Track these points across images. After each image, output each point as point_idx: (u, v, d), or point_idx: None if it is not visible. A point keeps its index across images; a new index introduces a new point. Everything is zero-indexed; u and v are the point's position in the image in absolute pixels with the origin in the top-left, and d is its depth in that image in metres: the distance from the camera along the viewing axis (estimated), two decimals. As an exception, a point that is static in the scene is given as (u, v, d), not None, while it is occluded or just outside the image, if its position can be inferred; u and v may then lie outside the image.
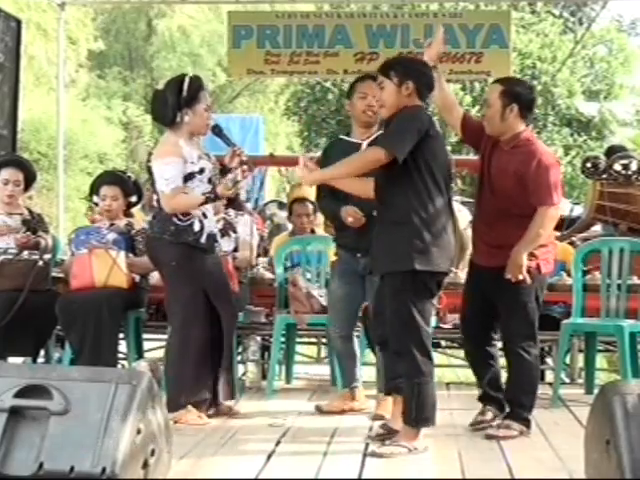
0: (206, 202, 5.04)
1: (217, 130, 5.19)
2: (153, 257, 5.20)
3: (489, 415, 4.90)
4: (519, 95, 4.78)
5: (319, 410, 5.32)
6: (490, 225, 4.81)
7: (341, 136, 5.37)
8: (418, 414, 4.32)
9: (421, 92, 4.43)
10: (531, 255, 4.74)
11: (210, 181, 5.09)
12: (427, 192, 4.30)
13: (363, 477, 3.89)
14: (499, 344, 5.04)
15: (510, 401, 4.84)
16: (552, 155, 4.95)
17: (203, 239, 5.07)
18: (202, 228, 5.07)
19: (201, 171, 5.05)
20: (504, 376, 4.98)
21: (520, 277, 4.64)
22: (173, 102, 5.03)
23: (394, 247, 4.32)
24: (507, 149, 4.80)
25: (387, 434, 4.50)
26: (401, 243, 4.29)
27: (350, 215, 4.98)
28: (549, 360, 7.20)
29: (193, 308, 5.03)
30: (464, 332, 5.08)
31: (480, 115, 4.94)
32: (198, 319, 5.04)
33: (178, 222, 5.03)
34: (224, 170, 5.16)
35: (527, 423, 4.78)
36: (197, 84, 5.13)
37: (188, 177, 5.02)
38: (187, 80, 5.07)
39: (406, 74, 4.40)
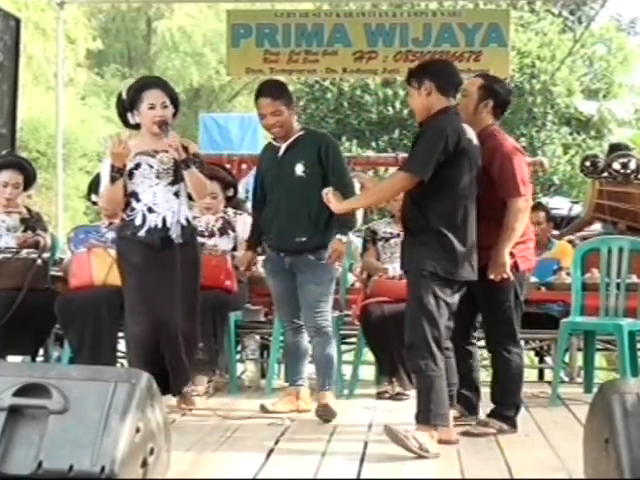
0: (113, 180, 5.08)
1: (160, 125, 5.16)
2: None
3: (453, 412, 4.75)
4: (497, 93, 4.83)
5: (264, 410, 5.28)
6: None
7: (270, 140, 5.40)
8: (436, 409, 4.26)
9: (443, 89, 4.43)
10: (510, 253, 4.70)
11: (158, 176, 5.14)
12: (456, 204, 4.36)
13: (362, 476, 3.89)
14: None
15: (494, 400, 4.83)
16: (516, 146, 4.89)
17: (142, 232, 5.12)
18: (144, 222, 5.13)
19: (137, 166, 5.12)
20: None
21: (505, 276, 4.62)
22: (119, 108, 5.25)
23: (425, 248, 4.35)
24: None
25: None
26: (432, 246, 4.33)
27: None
28: (548, 359, 7.21)
29: (132, 302, 5.13)
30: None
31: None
32: (137, 314, 5.11)
33: (125, 217, 5.21)
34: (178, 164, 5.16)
35: (510, 421, 4.77)
36: (139, 85, 5.25)
37: (130, 175, 5.12)
38: (127, 85, 5.32)
39: (422, 75, 4.45)
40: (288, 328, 5.40)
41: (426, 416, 4.27)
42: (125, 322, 5.28)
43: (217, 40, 24.52)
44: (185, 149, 5.10)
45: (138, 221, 5.13)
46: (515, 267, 4.73)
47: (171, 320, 5.09)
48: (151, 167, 5.14)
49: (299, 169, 5.12)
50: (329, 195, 4.62)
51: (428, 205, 4.38)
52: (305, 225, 5.09)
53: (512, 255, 4.69)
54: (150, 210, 5.13)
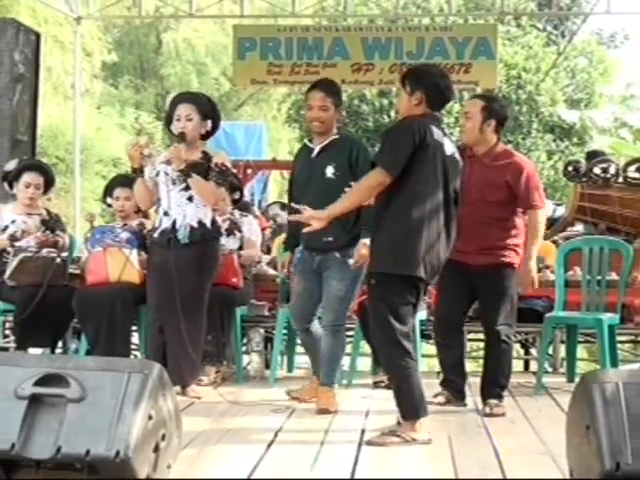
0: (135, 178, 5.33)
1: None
2: None
3: (440, 399, 4.98)
4: (497, 112, 4.91)
5: (289, 395, 5.27)
6: (479, 230, 4.81)
7: (306, 141, 5.31)
8: (405, 407, 4.22)
9: (431, 102, 4.23)
10: (515, 252, 4.91)
11: (174, 183, 5.21)
12: (410, 199, 4.12)
13: (358, 463, 3.86)
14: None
15: (492, 382, 4.96)
16: (531, 163, 5.13)
17: (156, 234, 5.30)
18: (160, 225, 5.30)
19: (157, 174, 5.26)
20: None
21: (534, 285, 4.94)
22: (166, 121, 5.42)
23: (374, 248, 4.27)
24: (488, 162, 4.88)
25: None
26: (379, 246, 4.22)
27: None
28: (533, 351, 7.21)
29: (148, 297, 5.37)
30: (441, 318, 5.09)
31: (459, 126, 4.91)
32: (151, 308, 5.37)
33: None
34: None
35: (502, 399, 4.99)
36: (174, 100, 5.38)
37: (156, 182, 5.28)
38: (168, 98, 5.39)
39: (417, 84, 4.24)
40: (298, 329, 5.37)
41: (402, 413, 4.25)
42: (149, 315, 5.48)
43: (219, 52, 24.59)
44: (209, 159, 5.19)
45: (157, 224, 5.34)
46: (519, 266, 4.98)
47: (171, 317, 5.17)
48: (167, 174, 5.22)
49: (330, 171, 5.01)
50: (307, 214, 4.28)
51: (384, 201, 4.17)
52: (333, 226, 4.78)
53: (517, 253, 4.94)
54: (165, 214, 5.26)
